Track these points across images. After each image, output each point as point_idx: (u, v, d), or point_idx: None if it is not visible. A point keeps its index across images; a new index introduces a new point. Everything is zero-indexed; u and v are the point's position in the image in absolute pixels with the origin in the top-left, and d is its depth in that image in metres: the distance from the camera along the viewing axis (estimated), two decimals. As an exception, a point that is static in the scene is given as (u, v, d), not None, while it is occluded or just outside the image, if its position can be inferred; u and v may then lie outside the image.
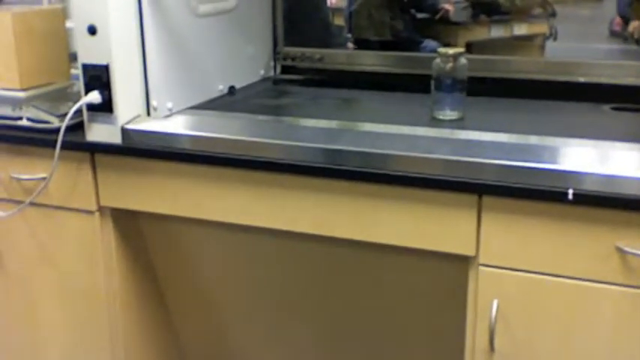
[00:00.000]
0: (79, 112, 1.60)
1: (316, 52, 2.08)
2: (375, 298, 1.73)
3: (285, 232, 1.53)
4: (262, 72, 2.09)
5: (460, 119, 1.61)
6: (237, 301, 1.96)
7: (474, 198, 1.33)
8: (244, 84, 1.99)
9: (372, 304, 1.75)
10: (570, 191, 1.24)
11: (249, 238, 1.76)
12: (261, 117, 1.69)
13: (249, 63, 2.02)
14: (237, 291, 1.94)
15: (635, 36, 2.63)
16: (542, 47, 3.17)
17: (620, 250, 1.26)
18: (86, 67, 1.56)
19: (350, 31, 3.31)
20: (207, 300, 1.98)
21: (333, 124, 1.60)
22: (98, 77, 1.56)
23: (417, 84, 1.73)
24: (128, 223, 1.80)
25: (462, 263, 1.40)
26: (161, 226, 1.84)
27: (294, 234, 1.53)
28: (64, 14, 1.81)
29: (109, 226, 1.74)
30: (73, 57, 1.68)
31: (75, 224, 1.74)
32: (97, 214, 1.71)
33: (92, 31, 1.52)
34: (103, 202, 1.69)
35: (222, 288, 1.95)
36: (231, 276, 1.91)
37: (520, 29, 3.19)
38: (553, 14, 3.21)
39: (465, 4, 3.39)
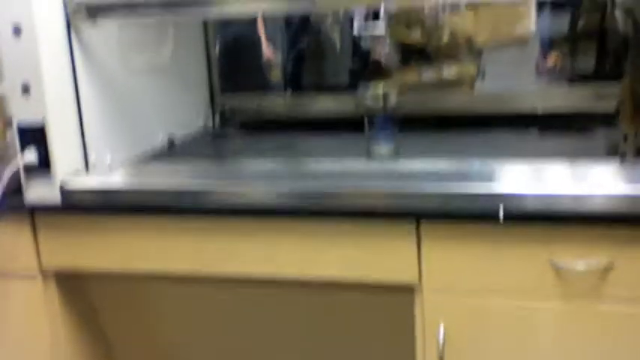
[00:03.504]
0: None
1: (253, 100, 2.12)
2: (330, 336, 1.73)
3: (237, 279, 1.54)
4: (201, 121, 2.12)
5: (395, 153, 1.67)
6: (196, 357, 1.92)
7: (412, 225, 1.37)
8: (183, 134, 2.01)
9: (327, 342, 1.75)
10: (501, 211, 1.29)
11: (202, 290, 1.75)
12: (202, 164, 1.71)
13: (187, 113, 2.05)
14: (195, 346, 1.90)
15: (557, 68, 2.78)
16: (472, 86, 3.30)
17: (554, 265, 1.30)
18: (21, 126, 1.56)
19: (286, 81, 3.39)
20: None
21: (273, 166, 1.63)
22: (34, 135, 1.55)
23: (353, 124, 1.78)
24: (73, 286, 1.76)
25: (407, 291, 1.42)
26: (109, 285, 1.81)
27: (245, 280, 1.54)
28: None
29: (53, 289, 1.70)
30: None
31: (17, 291, 1.69)
32: (39, 277, 1.67)
33: (25, 89, 1.53)
34: (45, 265, 1.66)
35: (179, 345, 1.91)
36: (185, 331, 1.88)
37: (450, 71, 3.32)
38: (479, 54, 3.36)
39: (395, 50, 3.53)
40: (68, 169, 1.60)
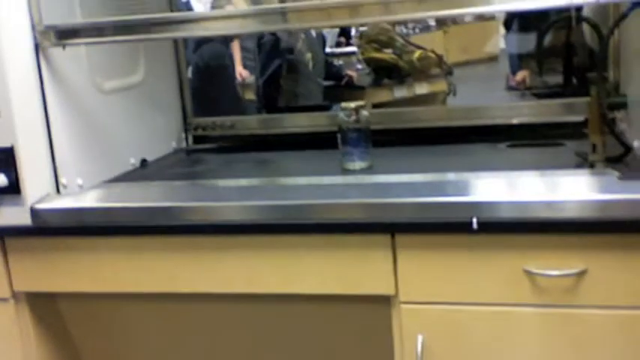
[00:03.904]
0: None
1: (227, 119, 2.12)
2: (308, 348, 1.72)
3: (211, 296, 1.53)
4: (174, 143, 2.11)
5: (369, 167, 1.67)
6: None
7: (388, 237, 1.37)
8: (157, 156, 2.00)
9: (305, 355, 1.73)
10: (474, 220, 1.30)
11: (176, 308, 1.73)
12: (176, 183, 1.70)
13: (160, 135, 2.04)
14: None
15: (526, 84, 2.85)
16: (444, 103, 3.36)
17: (528, 273, 1.32)
18: (-10, 151, 1.54)
19: (260, 101, 3.42)
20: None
21: (248, 182, 1.63)
22: (3, 159, 1.53)
23: (326, 141, 1.79)
24: (46, 308, 1.73)
25: (384, 303, 1.42)
26: (83, 307, 1.77)
27: (220, 297, 1.53)
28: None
29: (26, 312, 1.67)
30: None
31: (-11, 315, 1.66)
32: (11, 301, 1.64)
33: (-5, 114, 1.51)
34: (17, 287, 1.63)
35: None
36: (159, 350, 1.85)
37: (421, 88, 3.38)
38: (450, 72, 3.43)
39: (368, 69, 3.58)
40: (39, 193, 1.58)
